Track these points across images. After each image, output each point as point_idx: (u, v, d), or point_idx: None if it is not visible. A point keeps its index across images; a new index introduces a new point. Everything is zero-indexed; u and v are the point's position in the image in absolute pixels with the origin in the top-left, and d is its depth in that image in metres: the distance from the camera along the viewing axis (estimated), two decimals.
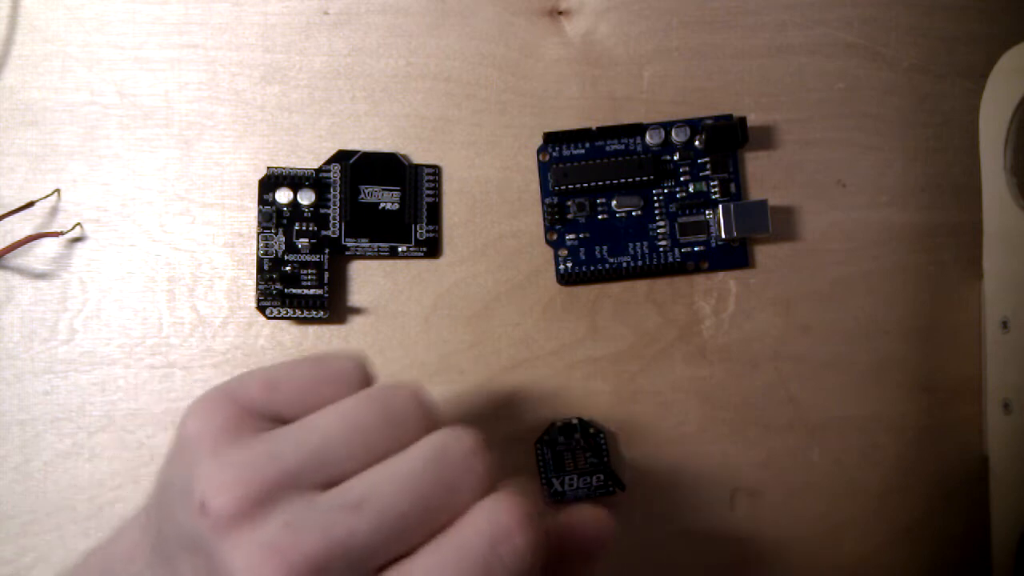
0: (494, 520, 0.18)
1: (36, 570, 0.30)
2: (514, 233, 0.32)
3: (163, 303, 0.31)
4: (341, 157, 0.31)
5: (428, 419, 0.20)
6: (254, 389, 0.20)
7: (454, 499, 0.18)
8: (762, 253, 0.32)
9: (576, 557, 0.21)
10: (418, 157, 0.32)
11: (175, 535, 0.19)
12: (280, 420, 0.20)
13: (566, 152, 0.32)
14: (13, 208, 0.30)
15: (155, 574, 0.19)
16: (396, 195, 0.31)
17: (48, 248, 0.31)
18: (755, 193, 0.32)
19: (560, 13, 0.32)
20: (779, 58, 0.33)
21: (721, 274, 0.32)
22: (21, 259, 0.31)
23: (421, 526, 0.18)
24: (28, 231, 0.31)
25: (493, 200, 0.32)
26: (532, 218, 0.32)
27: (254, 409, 0.20)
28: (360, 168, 0.31)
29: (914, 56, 0.33)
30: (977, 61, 0.33)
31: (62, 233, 0.31)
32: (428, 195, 0.32)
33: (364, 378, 0.21)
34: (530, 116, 0.32)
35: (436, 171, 0.32)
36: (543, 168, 0.32)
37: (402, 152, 0.32)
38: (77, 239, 0.31)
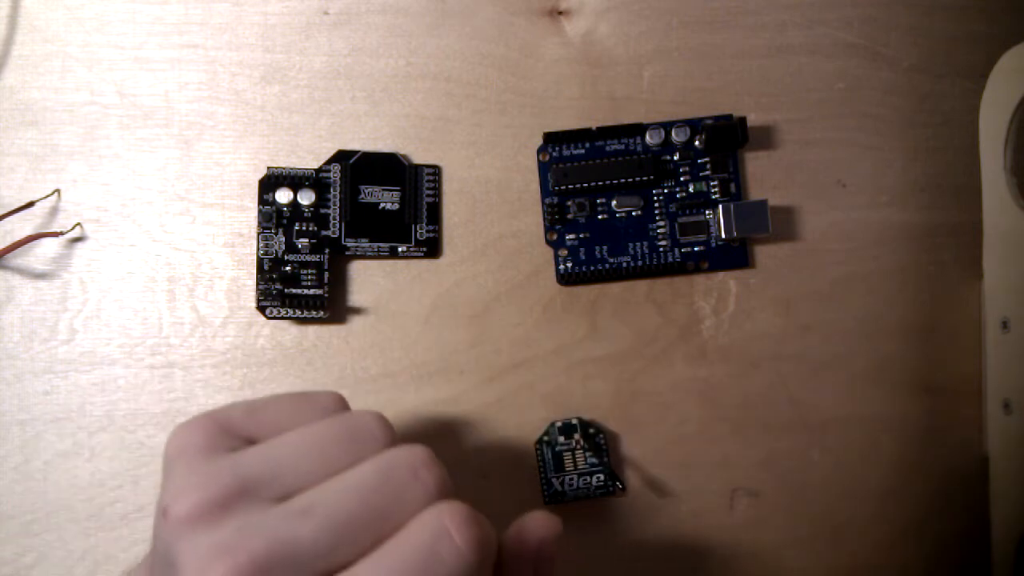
0: (435, 522, 0.19)
1: (36, 570, 0.30)
2: (514, 233, 0.32)
3: (163, 303, 0.31)
4: (341, 157, 0.31)
5: (387, 439, 0.21)
6: (235, 413, 0.22)
7: (401, 507, 0.19)
8: (762, 253, 0.32)
9: (527, 560, 0.22)
10: (418, 157, 0.32)
11: (157, 557, 0.20)
12: (256, 442, 0.21)
13: (566, 152, 0.32)
14: (13, 208, 0.30)
15: None
16: (396, 195, 0.31)
17: (48, 248, 0.31)
18: (755, 193, 0.32)
19: (560, 13, 0.32)
20: (779, 58, 0.33)
21: (721, 274, 0.32)
22: (21, 259, 0.31)
23: (367, 532, 0.19)
24: (28, 231, 0.31)
25: (493, 200, 0.32)
26: (532, 218, 0.32)
27: (232, 429, 0.21)
28: (360, 168, 0.31)
29: (914, 56, 0.33)
30: (977, 61, 0.33)
31: (62, 233, 0.31)
32: (428, 195, 0.32)
33: (340, 408, 0.23)
34: (530, 116, 0.32)
35: (436, 171, 0.32)
36: (543, 168, 0.32)
37: (402, 152, 0.32)
38: (77, 239, 0.31)
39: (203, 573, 0.18)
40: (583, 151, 0.32)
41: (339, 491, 0.19)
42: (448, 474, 0.20)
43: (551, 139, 0.31)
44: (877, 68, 0.33)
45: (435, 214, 0.32)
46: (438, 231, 0.32)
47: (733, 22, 0.32)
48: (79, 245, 0.31)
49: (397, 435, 0.21)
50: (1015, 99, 0.31)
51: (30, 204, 0.30)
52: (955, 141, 0.33)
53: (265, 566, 0.18)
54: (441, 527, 0.19)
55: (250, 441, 0.21)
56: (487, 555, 0.19)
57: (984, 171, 0.32)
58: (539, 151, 0.32)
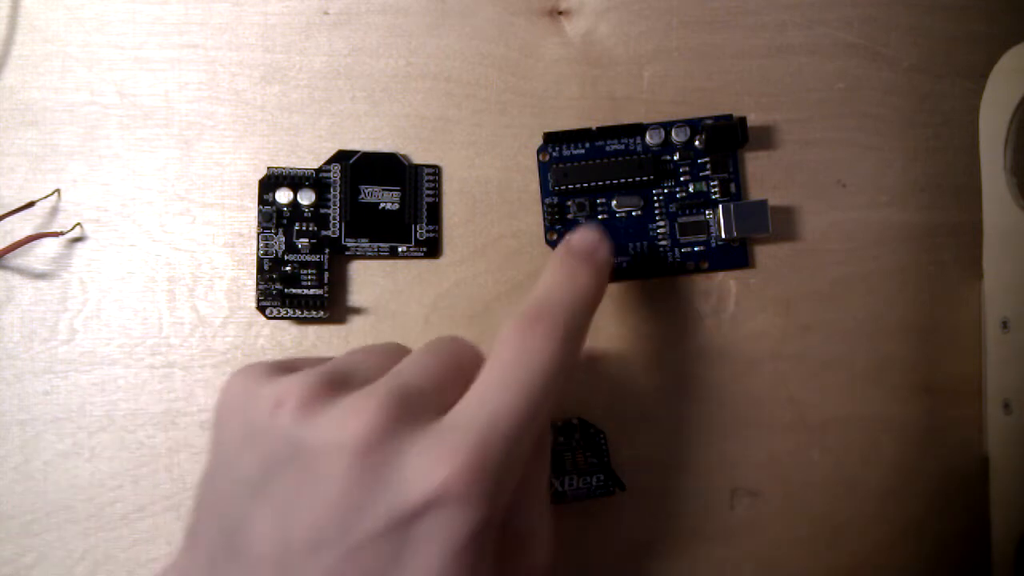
0: (510, 332, 0.22)
1: (36, 570, 0.30)
2: (514, 233, 0.32)
3: (163, 303, 0.31)
4: (341, 157, 0.31)
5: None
6: (272, 361, 0.23)
7: (478, 358, 0.23)
8: (762, 253, 0.32)
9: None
10: (418, 157, 0.32)
11: (240, 482, 0.20)
12: None
13: (566, 152, 0.32)
14: (13, 208, 0.30)
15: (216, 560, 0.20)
16: (396, 195, 0.31)
17: (48, 248, 0.31)
18: (755, 193, 0.32)
19: (560, 13, 0.32)
20: (779, 58, 0.33)
21: (721, 274, 0.32)
22: (21, 259, 0.31)
23: (459, 376, 0.22)
24: (28, 231, 0.31)
25: (493, 200, 0.32)
26: (532, 218, 0.32)
27: (280, 368, 0.23)
28: (360, 168, 0.31)
29: (914, 56, 0.33)
30: (977, 61, 0.33)
31: (62, 233, 0.31)
32: (428, 195, 0.32)
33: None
34: (530, 116, 0.32)
35: (436, 171, 0.32)
36: (543, 168, 0.32)
37: (402, 152, 0.32)
38: (77, 239, 0.31)
39: (341, 436, 0.19)
40: (583, 151, 0.32)
41: (418, 358, 0.22)
42: None
43: (551, 139, 0.31)
44: (877, 68, 0.33)
45: (435, 214, 0.32)
46: (438, 231, 0.32)
47: (733, 22, 0.32)
48: (79, 245, 0.31)
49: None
50: (1015, 99, 0.31)
51: (30, 204, 0.30)
52: (955, 141, 0.33)
53: (398, 404, 0.20)
54: (515, 333, 0.22)
55: None
56: (575, 321, 0.23)
57: (984, 171, 0.32)
58: (539, 151, 0.32)
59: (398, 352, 0.24)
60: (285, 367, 0.22)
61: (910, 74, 0.33)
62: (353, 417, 0.19)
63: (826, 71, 0.33)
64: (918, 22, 0.33)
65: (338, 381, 0.21)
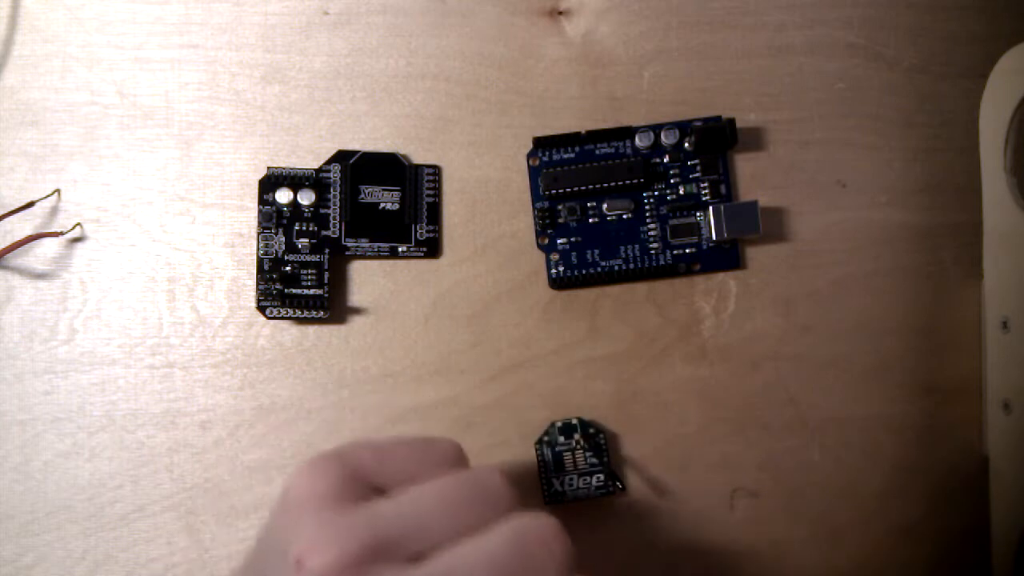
0: None
1: (36, 570, 0.30)
2: (514, 233, 0.32)
3: (163, 303, 0.31)
4: (341, 157, 0.31)
5: (512, 500, 0.21)
6: (365, 456, 0.21)
7: None
8: (762, 253, 0.32)
9: None
10: (418, 157, 0.32)
11: None
12: (382, 490, 0.21)
13: (556, 156, 0.32)
14: (13, 208, 0.30)
15: None
16: (396, 195, 0.31)
17: (48, 248, 0.31)
18: (755, 193, 0.32)
19: (560, 13, 0.32)
20: (779, 58, 0.33)
21: (721, 274, 0.32)
22: (21, 259, 0.31)
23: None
24: (28, 231, 0.31)
25: (493, 200, 0.32)
26: (532, 218, 0.32)
27: (361, 475, 0.21)
28: (360, 168, 0.31)
29: (914, 56, 0.33)
30: (977, 61, 0.33)
31: (62, 233, 0.31)
32: (428, 195, 0.32)
33: (462, 460, 0.23)
34: (530, 116, 0.32)
35: (436, 171, 0.32)
36: (533, 172, 0.32)
37: (402, 152, 0.32)
38: (77, 239, 0.31)
39: None
40: (573, 155, 0.32)
41: (475, 559, 0.19)
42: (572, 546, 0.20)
43: (540, 144, 0.31)
44: (877, 68, 0.33)
45: (435, 214, 0.32)
46: (438, 231, 0.32)
47: (733, 22, 0.32)
48: (79, 245, 0.31)
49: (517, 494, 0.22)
50: (1015, 99, 0.31)
51: (30, 204, 0.30)
52: (955, 141, 0.33)
53: None
54: None
55: (376, 489, 0.21)
56: None
57: (984, 171, 0.32)
58: (529, 156, 0.32)
59: (482, 513, 0.21)
60: (359, 477, 0.21)
61: (910, 74, 0.33)
62: None
63: (826, 71, 0.33)
64: (918, 22, 0.33)
65: (381, 551, 0.19)
